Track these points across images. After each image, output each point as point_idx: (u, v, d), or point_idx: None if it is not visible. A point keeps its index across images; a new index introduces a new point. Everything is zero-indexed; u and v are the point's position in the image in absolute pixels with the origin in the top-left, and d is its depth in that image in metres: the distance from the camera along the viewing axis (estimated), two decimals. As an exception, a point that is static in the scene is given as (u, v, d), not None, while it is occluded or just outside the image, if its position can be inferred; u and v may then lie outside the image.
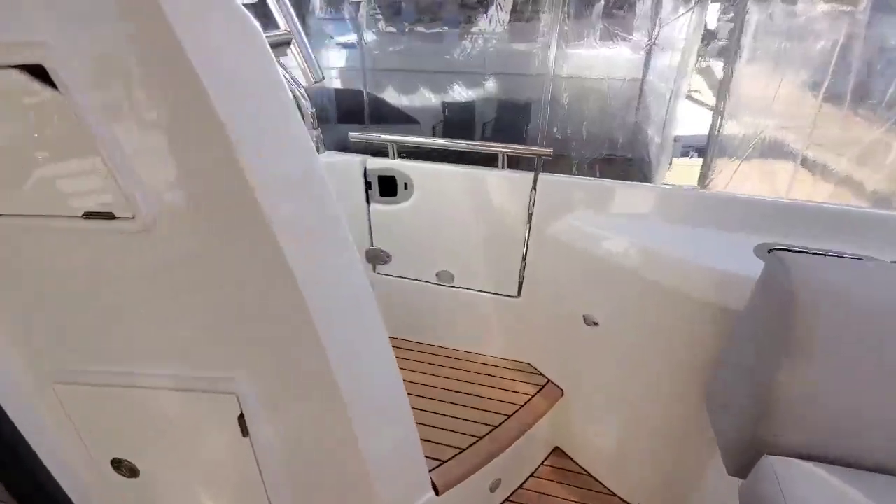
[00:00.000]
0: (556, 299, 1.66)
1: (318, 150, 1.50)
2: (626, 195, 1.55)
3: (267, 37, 0.62)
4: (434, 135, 2.68)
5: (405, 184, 1.73)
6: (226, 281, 0.73)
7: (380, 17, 2.57)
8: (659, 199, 1.52)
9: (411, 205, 1.76)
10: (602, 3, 2.08)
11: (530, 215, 1.61)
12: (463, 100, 2.57)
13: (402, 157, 1.75)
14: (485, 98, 2.54)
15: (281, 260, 0.67)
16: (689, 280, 1.23)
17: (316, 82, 0.94)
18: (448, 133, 2.67)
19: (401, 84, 2.68)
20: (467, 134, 2.65)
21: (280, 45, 0.84)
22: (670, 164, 2.36)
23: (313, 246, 0.74)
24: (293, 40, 0.87)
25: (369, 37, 2.62)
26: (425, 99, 2.65)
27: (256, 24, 0.58)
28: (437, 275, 1.86)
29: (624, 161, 2.37)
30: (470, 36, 2.39)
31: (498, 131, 2.61)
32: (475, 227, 1.72)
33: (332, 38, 2.73)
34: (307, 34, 2.78)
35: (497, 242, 1.71)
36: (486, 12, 2.31)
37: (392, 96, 2.70)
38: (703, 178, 2.20)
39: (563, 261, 1.58)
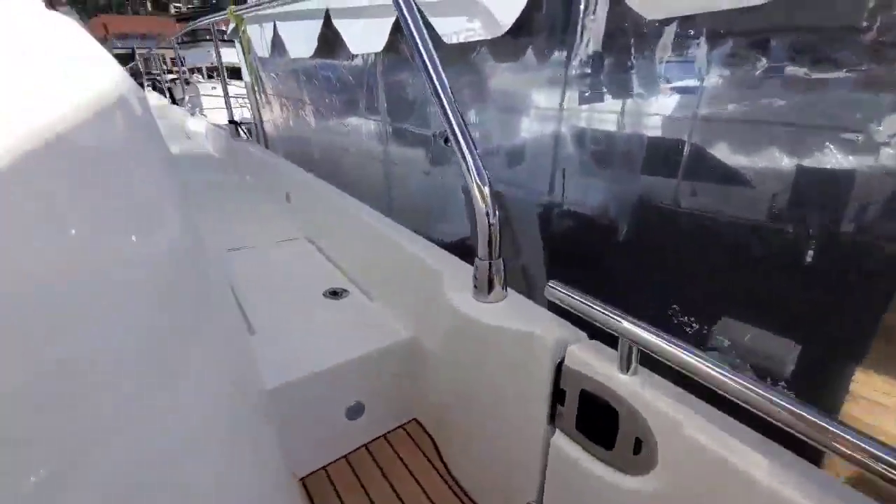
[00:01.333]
0: None
1: (486, 291, 1.20)
2: None
3: None
4: (772, 206, 1.92)
5: (638, 440, 0.83)
6: None
7: (735, 56, 2.05)
8: None
9: (646, 486, 0.83)
10: None
11: None
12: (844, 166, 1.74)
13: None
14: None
15: None
16: None
17: None
18: (800, 208, 1.86)
19: (742, 138, 2.07)
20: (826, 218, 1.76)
21: None
22: None
23: None
24: None
25: (713, 80, 2.13)
26: (773, 159, 1.94)
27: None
28: None
29: None
30: None
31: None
32: None
33: (666, 80, 2.37)
34: (625, 79, 2.51)
35: None
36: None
37: (723, 152, 2.11)
38: None
39: None
